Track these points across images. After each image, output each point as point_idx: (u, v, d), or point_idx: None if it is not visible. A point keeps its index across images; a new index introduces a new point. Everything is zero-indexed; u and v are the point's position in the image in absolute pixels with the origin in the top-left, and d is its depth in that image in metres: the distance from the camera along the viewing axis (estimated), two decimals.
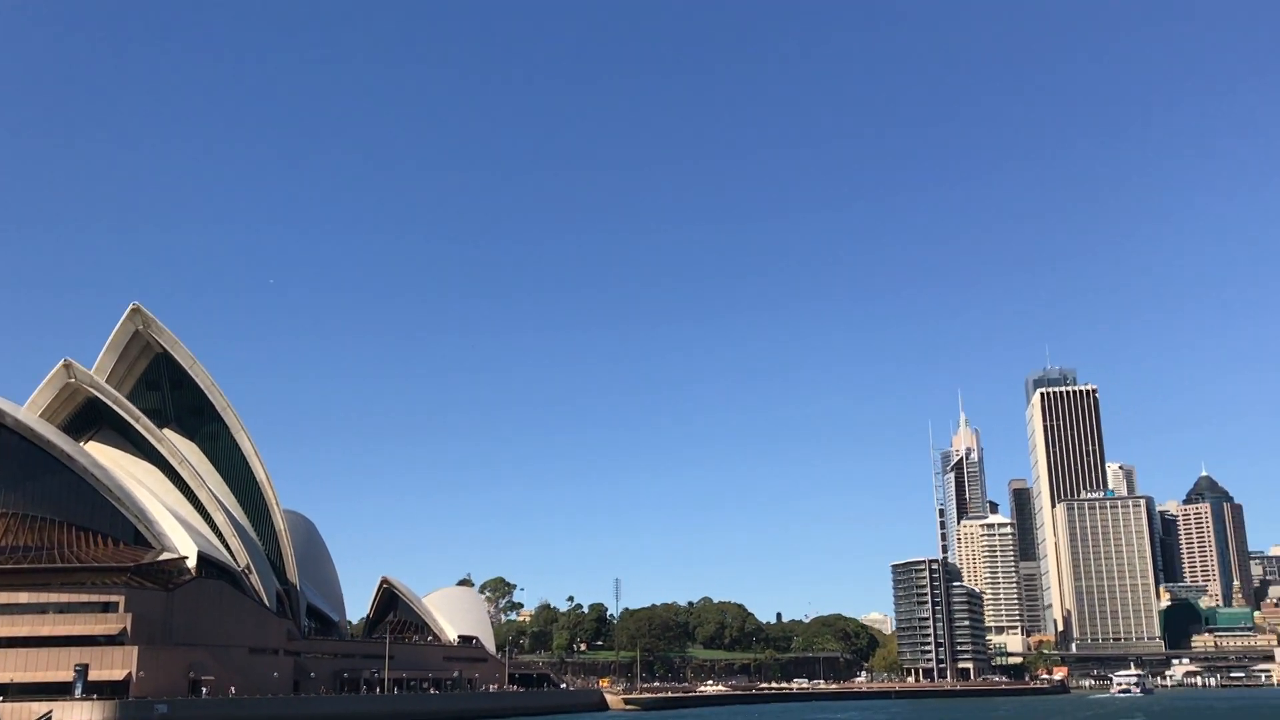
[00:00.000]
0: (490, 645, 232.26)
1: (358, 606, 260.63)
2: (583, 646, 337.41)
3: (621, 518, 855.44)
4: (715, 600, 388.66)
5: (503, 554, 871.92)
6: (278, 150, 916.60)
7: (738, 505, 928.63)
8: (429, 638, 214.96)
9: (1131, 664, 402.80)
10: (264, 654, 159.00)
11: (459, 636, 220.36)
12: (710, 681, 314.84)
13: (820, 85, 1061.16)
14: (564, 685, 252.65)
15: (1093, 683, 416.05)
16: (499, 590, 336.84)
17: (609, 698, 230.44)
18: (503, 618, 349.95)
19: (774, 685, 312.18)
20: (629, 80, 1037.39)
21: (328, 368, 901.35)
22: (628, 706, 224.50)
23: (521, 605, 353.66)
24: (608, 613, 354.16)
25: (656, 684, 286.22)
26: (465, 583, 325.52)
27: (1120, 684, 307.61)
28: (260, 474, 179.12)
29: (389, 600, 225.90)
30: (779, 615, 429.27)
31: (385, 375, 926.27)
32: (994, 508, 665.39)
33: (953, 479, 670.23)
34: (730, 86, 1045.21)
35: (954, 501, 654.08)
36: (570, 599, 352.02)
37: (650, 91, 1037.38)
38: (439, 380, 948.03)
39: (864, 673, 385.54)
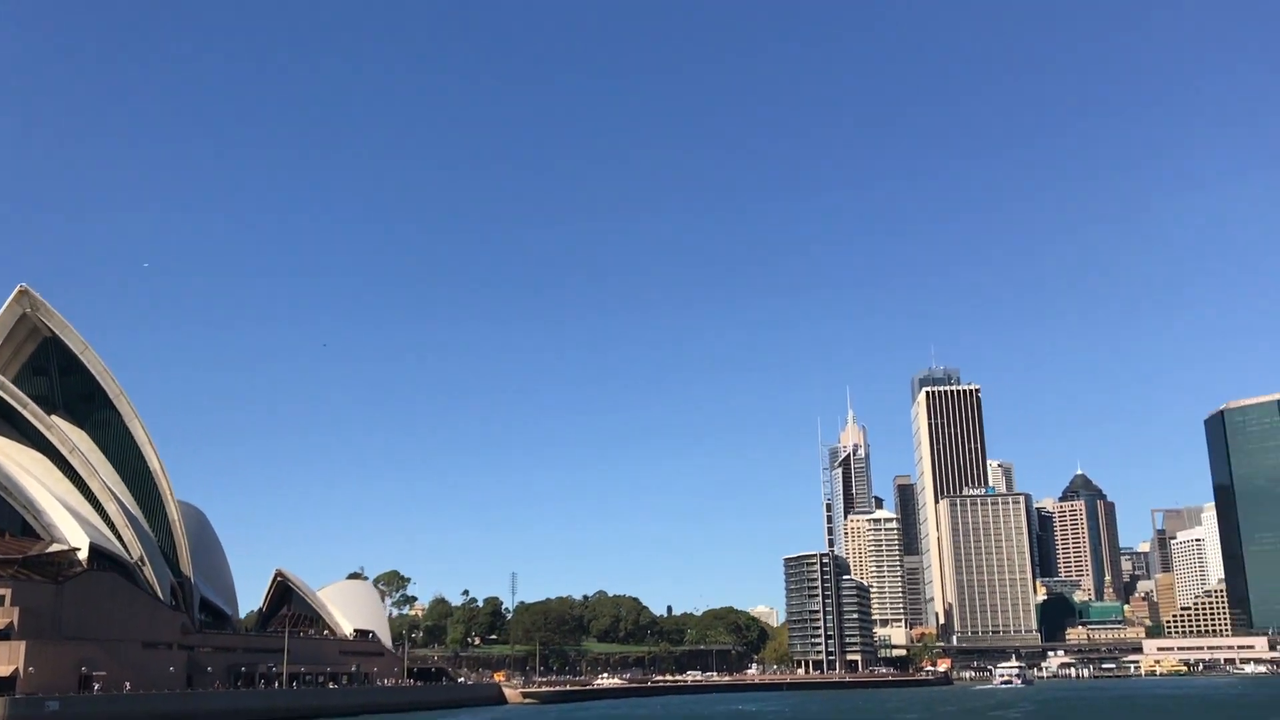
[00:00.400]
0: (386, 639, 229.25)
1: (248, 600, 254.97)
2: (477, 640, 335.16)
3: (517, 512, 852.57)
4: (610, 594, 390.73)
5: (396, 548, 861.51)
6: (171, 133, 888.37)
7: (633, 500, 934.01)
8: (324, 631, 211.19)
9: (1013, 656, 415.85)
10: (158, 648, 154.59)
11: (355, 630, 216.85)
12: (605, 674, 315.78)
13: (715, 86, 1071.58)
14: (462, 679, 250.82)
15: (973, 674, 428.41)
16: (393, 584, 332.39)
17: (507, 691, 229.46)
18: (393, 612, 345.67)
19: (669, 678, 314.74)
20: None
21: (217, 358, 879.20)
22: (526, 700, 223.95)
23: (415, 599, 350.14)
24: (503, 606, 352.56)
25: (553, 677, 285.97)
26: (357, 576, 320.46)
27: (1003, 675, 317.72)
28: (154, 464, 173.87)
29: (283, 593, 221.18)
30: (669, 609, 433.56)
31: (276, 367, 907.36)
32: (879, 503, 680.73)
33: (840, 475, 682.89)
34: (617, 85, 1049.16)
35: (841, 497, 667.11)
36: (465, 593, 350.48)
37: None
38: (332, 372, 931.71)
39: (755, 665, 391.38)
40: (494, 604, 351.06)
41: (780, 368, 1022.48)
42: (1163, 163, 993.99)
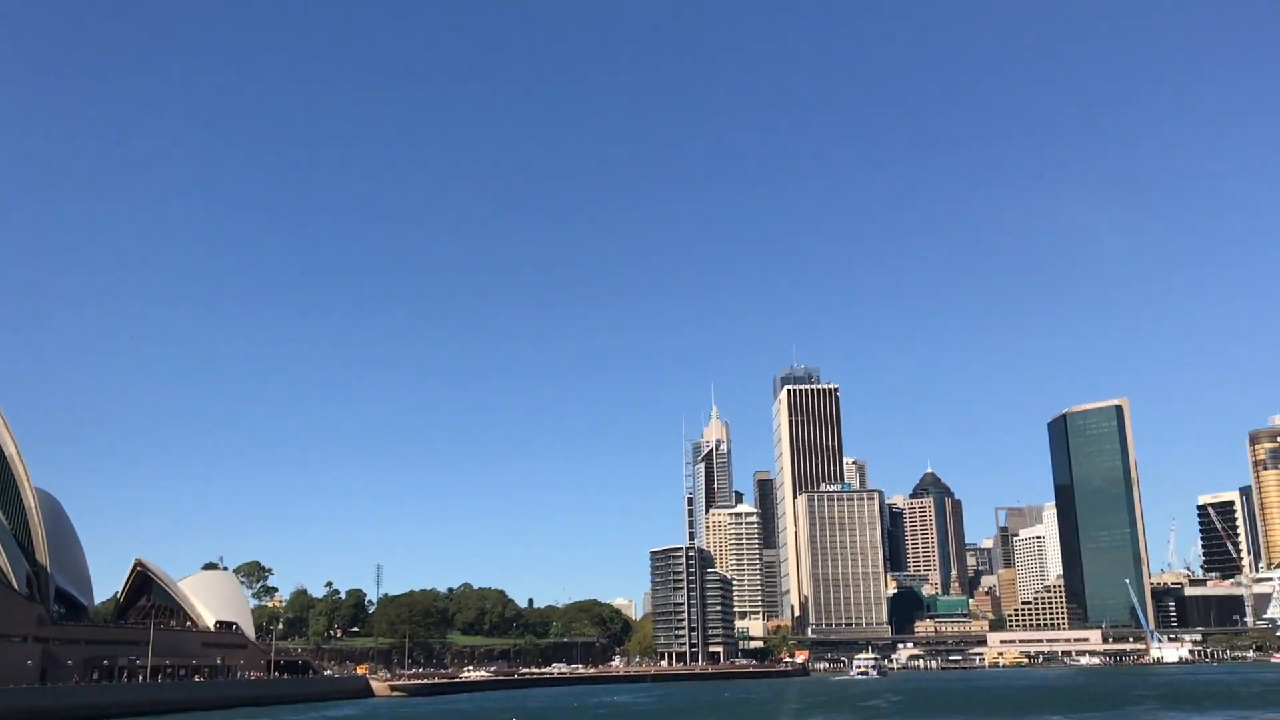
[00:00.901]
0: (250, 631, 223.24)
1: (101, 590, 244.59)
2: (339, 633, 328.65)
3: (382, 504, 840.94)
4: (476, 586, 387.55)
5: (257, 539, 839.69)
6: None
7: (499, 493, 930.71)
8: (186, 623, 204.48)
9: (869, 648, 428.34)
10: (11, 640, 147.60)
11: (218, 622, 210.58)
12: (470, 667, 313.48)
13: (583, 89, 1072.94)
14: (329, 672, 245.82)
15: (827, 665, 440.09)
16: (253, 575, 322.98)
17: (375, 684, 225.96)
18: (253, 603, 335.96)
19: (535, 670, 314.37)
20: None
21: (73, 345, 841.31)
22: (394, 693, 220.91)
23: (276, 590, 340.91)
24: (366, 599, 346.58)
25: (418, 670, 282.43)
26: (214, 566, 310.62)
27: (859, 666, 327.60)
28: (10, 448, 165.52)
29: (142, 584, 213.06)
30: (530, 601, 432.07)
31: (129, 356, 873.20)
32: (740, 497, 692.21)
33: (703, 469, 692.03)
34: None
35: (703, 491, 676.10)
36: (329, 584, 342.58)
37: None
38: (189, 362, 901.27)
39: (618, 657, 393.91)
40: (357, 596, 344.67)
41: (647, 366, 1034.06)
42: (1014, 172, 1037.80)
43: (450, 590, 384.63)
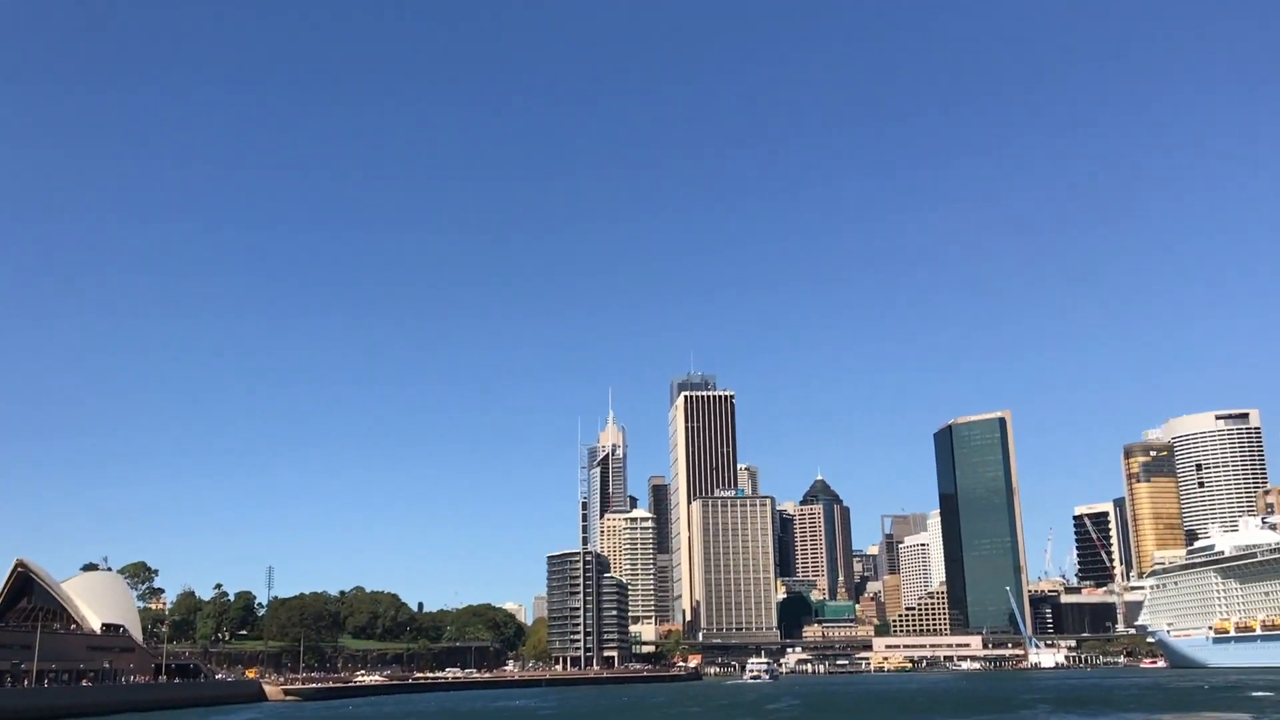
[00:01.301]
0: (137, 634, 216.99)
1: None
2: (228, 636, 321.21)
3: (272, 506, 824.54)
4: (369, 590, 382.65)
5: (142, 539, 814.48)
6: None
7: (392, 496, 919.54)
8: (71, 626, 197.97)
9: (760, 652, 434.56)
10: None
11: (104, 625, 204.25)
12: (362, 671, 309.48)
13: (481, 103, 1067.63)
14: (220, 676, 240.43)
15: (717, 670, 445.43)
16: (138, 576, 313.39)
17: (268, 688, 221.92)
18: (139, 605, 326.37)
19: (429, 675, 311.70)
20: None
21: None
22: (288, 697, 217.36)
23: (162, 592, 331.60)
24: (255, 601, 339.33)
25: (313, 674, 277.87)
26: (94, 567, 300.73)
27: (753, 671, 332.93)
28: None
29: (23, 585, 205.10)
30: (420, 605, 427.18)
31: (9, 354, 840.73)
32: (634, 503, 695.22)
33: (598, 474, 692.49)
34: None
35: (598, 495, 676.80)
36: (218, 586, 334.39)
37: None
38: (66, 361, 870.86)
39: (511, 661, 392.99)
40: (246, 598, 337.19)
41: (545, 371, 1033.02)
42: (909, 191, 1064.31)
43: (342, 593, 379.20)
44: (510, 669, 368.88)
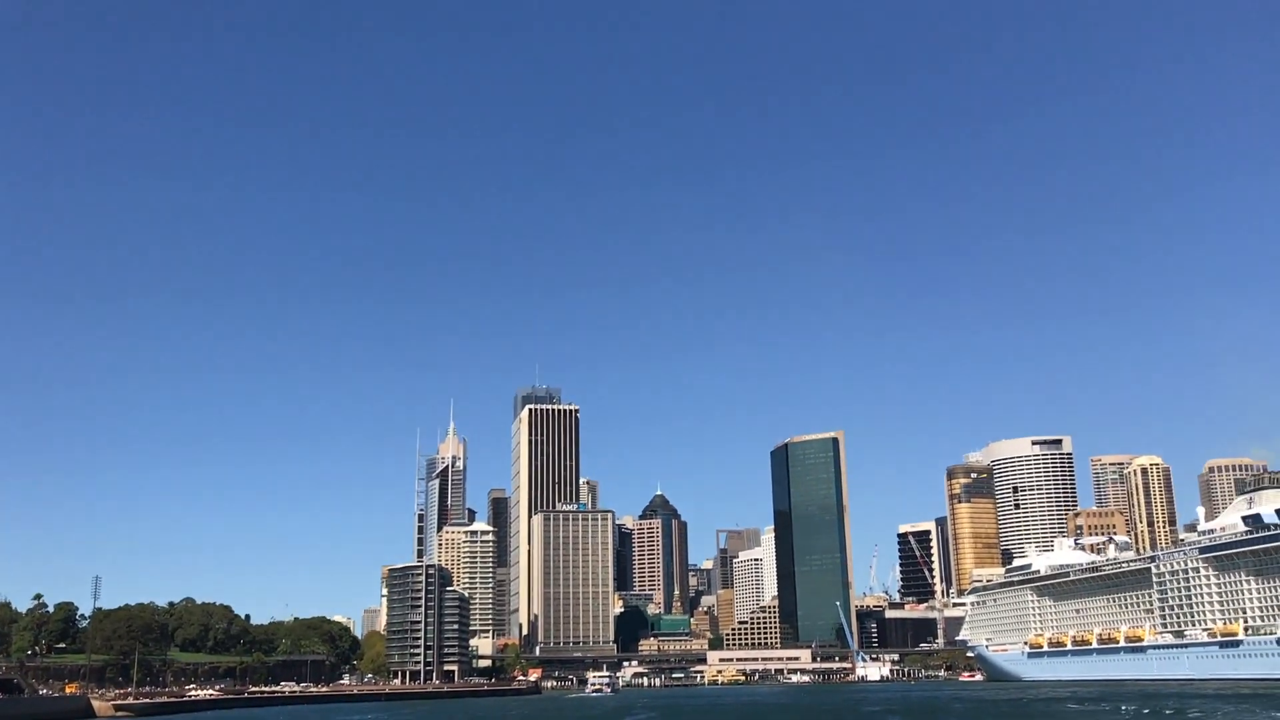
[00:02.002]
0: None
1: None
2: (45, 649, 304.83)
3: (97, 514, 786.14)
4: (199, 601, 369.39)
5: None
6: None
7: (224, 505, 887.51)
8: None
9: (603, 666, 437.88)
10: None
11: None
12: (193, 686, 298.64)
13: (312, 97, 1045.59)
14: (44, 691, 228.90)
15: (555, 684, 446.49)
16: None
17: (96, 704, 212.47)
18: None
19: (265, 689, 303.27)
20: None
21: None
22: (119, 713, 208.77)
23: None
24: (77, 613, 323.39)
25: (136, 689, 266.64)
26: None
27: (594, 684, 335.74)
28: None
29: None
30: (248, 616, 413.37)
31: None
32: (473, 515, 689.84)
33: (437, 486, 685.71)
34: None
35: (436, 507, 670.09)
36: (37, 597, 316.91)
37: None
38: None
39: (348, 674, 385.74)
40: (67, 609, 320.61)
41: (385, 380, 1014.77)
42: (751, 204, 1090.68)
43: (171, 604, 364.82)
44: (346, 683, 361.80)
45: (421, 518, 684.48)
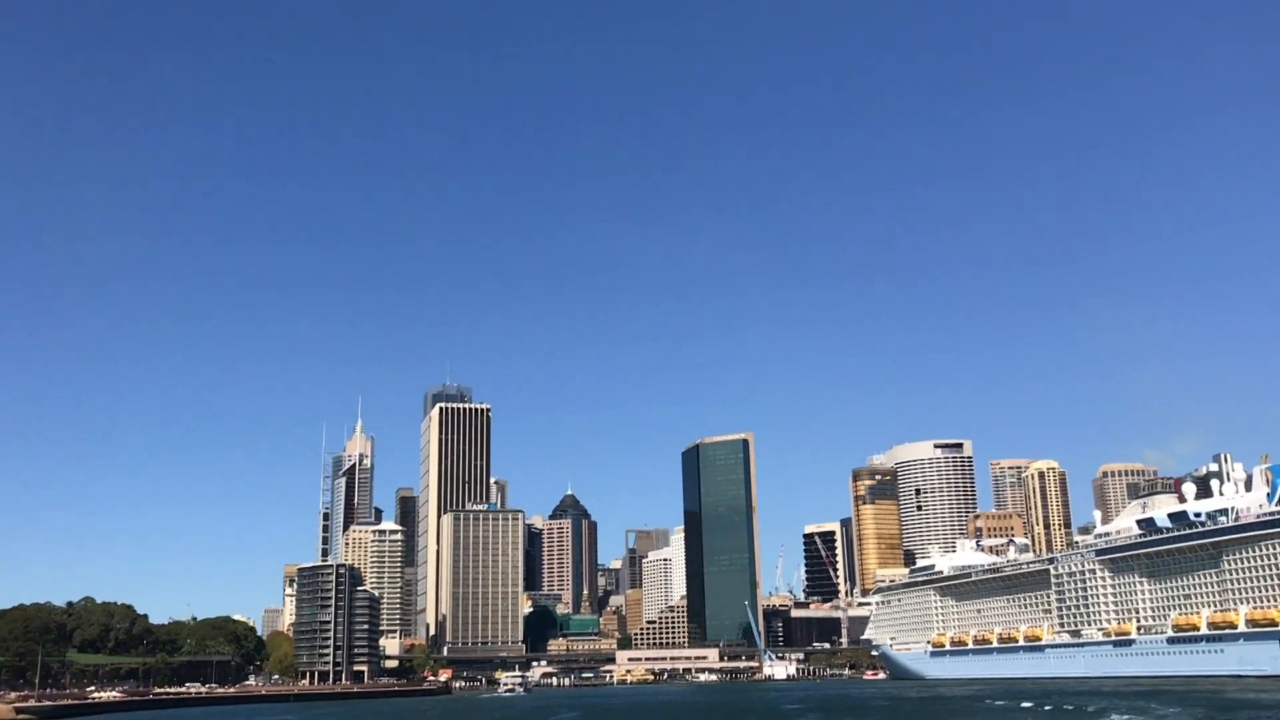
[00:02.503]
0: None
1: None
2: None
3: None
4: (100, 600, 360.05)
5: None
6: None
7: (123, 499, 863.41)
8: None
9: (515, 666, 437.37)
10: None
11: None
12: (94, 687, 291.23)
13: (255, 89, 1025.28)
14: None
15: (464, 684, 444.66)
16: None
17: None
18: None
19: (171, 690, 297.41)
20: None
21: None
22: (21, 716, 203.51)
23: None
24: None
25: (46, 691, 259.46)
26: None
27: (507, 685, 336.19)
28: None
29: None
30: (146, 615, 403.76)
31: None
32: (379, 514, 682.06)
33: (344, 484, 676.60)
34: None
35: (343, 506, 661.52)
36: None
37: None
38: None
39: (254, 675, 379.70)
40: None
41: (290, 373, 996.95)
42: (663, 203, 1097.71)
43: (70, 604, 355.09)
44: (252, 683, 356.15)
45: (327, 516, 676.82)
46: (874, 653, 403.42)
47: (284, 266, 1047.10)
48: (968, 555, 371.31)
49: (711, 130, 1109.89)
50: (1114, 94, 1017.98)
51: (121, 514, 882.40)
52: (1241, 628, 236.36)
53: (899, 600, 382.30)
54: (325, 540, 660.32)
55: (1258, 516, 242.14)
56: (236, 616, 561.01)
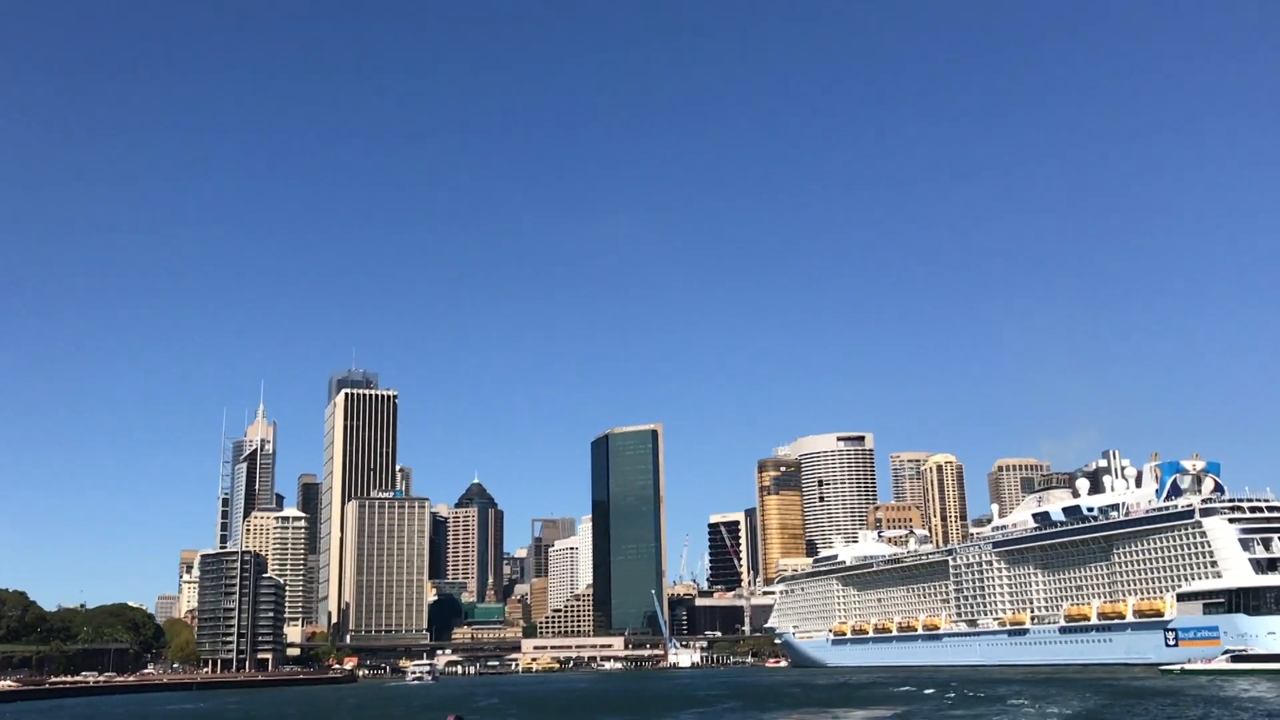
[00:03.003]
0: None
1: None
2: None
3: None
4: None
5: None
6: None
7: (16, 484, 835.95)
8: None
9: (423, 654, 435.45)
10: None
11: None
12: None
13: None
14: None
15: (368, 672, 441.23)
16: None
17: None
18: None
19: (68, 679, 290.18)
20: None
21: None
22: None
23: None
24: None
25: None
26: None
27: (415, 673, 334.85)
28: None
29: None
30: (36, 602, 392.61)
31: None
32: (281, 501, 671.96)
33: (245, 470, 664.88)
34: None
35: (244, 492, 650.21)
36: None
37: None
38: None
39: (153, 664, 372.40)
40: None
41: (190, 355, 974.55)
42: (578, 196, 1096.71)
43: None
44: (151, 672, 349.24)
45: (226, 502, 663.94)
46: (777, 641, 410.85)
47: (187, 247, 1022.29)
48: (869, 546, 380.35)
49: (626, 127, 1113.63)
50: (1017, 94, 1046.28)
51: (11, 499, 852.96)
52: (1129, 618, 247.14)
53: (802, 590, 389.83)
54: (225, 527, 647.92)
55: (1146, 512, 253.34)
56: (132, 604, 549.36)
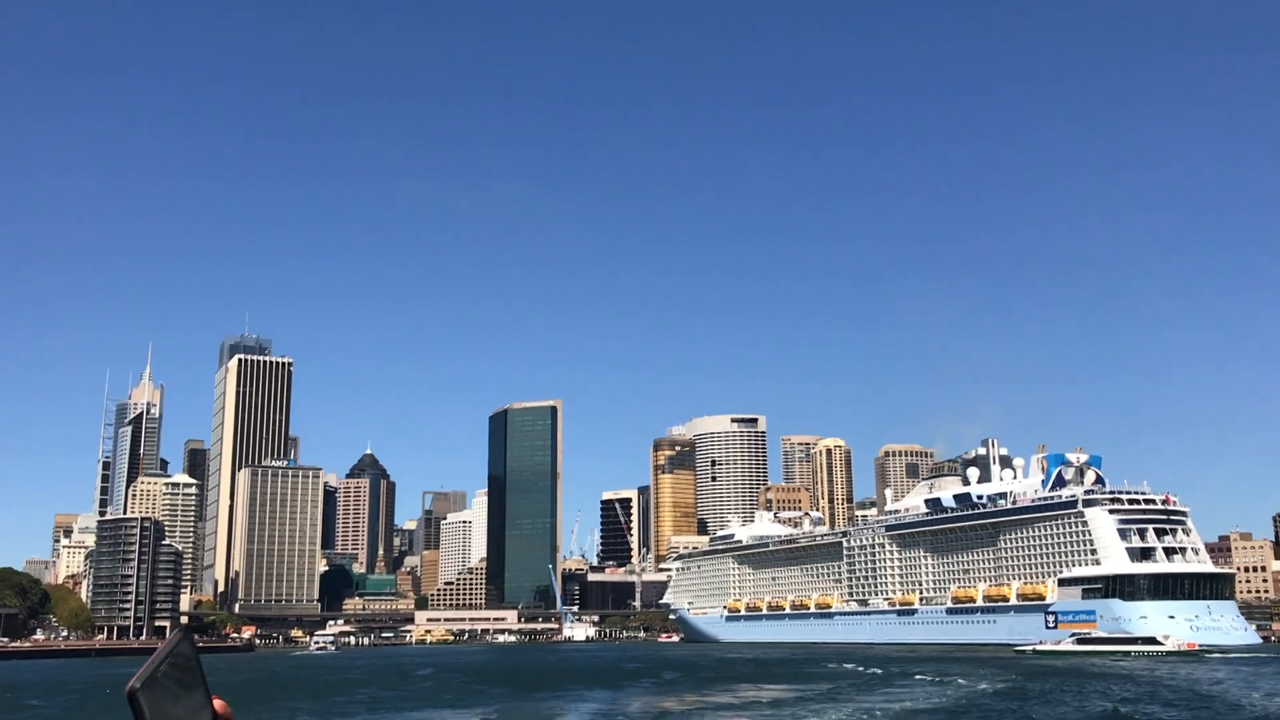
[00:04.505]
0: None
1: None
2: None
3: None
4: None
5: None
6: None
7: None
8: None
9: (320, 625, 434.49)
10: None
11: None
12: None
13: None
14: None
15: (261, 641, 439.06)
16: None
17: None
18: None
19: None
20: None
21: None
22: None
23: None
24: None
25: None
26: None
27: (319, 642, 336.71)
28: None
29: None
30: None
31: None
32: (165, 466, 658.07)
33: (129, 433, 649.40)
34: None
35: (128, 456, 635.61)
36: None
37: None
38: None
39: (40, 630, 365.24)
40: None
41: (71, 311, 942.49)
42: (477, 178, 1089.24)
43: None
44: (41, 637, 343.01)
45: (108, 466, 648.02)
46: (671, 616, 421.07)
47: (74, 196, 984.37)
48: (765, 526, 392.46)
49: (542, 98, 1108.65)
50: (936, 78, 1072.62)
51: None
52: (1013, 601, 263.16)
53: (698, 567, 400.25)
54: (105, 491, 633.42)
55: (1033, 501, 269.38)
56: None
